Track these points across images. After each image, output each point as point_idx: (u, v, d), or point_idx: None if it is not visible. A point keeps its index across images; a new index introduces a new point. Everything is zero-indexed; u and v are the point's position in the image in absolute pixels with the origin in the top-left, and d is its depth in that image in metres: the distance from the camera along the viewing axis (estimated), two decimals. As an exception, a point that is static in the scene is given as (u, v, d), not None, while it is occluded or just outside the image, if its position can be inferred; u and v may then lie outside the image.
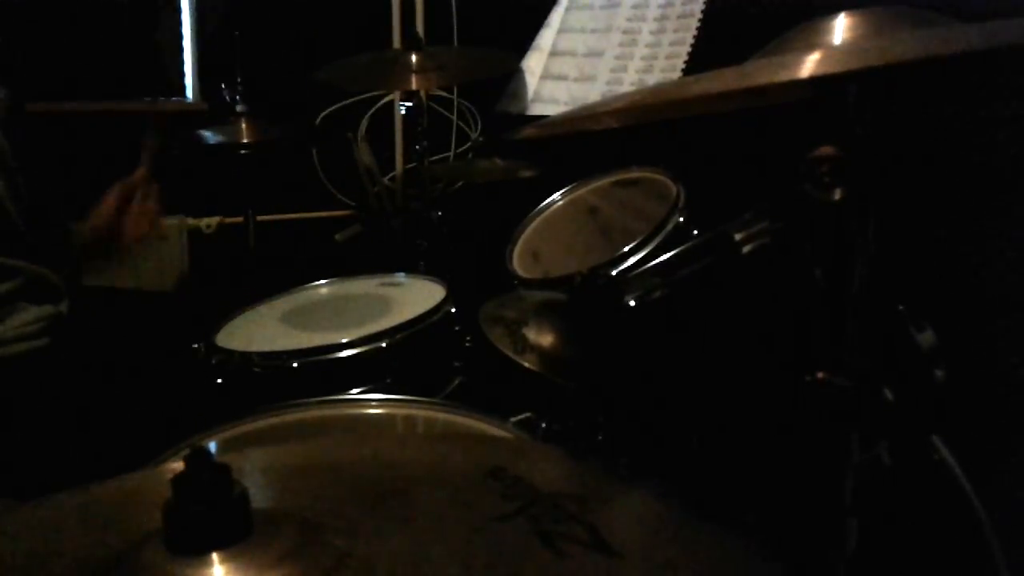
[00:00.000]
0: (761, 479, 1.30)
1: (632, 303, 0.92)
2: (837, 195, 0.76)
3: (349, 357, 1.43)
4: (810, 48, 0.75)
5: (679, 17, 1.85)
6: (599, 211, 1.63)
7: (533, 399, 1.35)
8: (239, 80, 2.25)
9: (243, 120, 2.20)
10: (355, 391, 1.38)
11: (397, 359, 1.46)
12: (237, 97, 2.22)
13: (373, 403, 1.24)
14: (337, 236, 2.69)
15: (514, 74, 2.15)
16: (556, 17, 2.14)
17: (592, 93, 1.95)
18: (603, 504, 0.63)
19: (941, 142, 1.31)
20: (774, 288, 1.00)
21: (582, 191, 1.70)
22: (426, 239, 2.25)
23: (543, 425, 1.35)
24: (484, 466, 0.67)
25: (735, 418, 1.36)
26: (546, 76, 2.10)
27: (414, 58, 2.05)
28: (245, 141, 2.17)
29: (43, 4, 2.44)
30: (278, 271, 1.91)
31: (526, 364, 1.20)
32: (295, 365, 1.42)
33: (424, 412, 1.21)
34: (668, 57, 1.82)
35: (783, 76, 0.69)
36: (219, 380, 1.46)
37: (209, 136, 2.19)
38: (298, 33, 2.69)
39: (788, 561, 0.57)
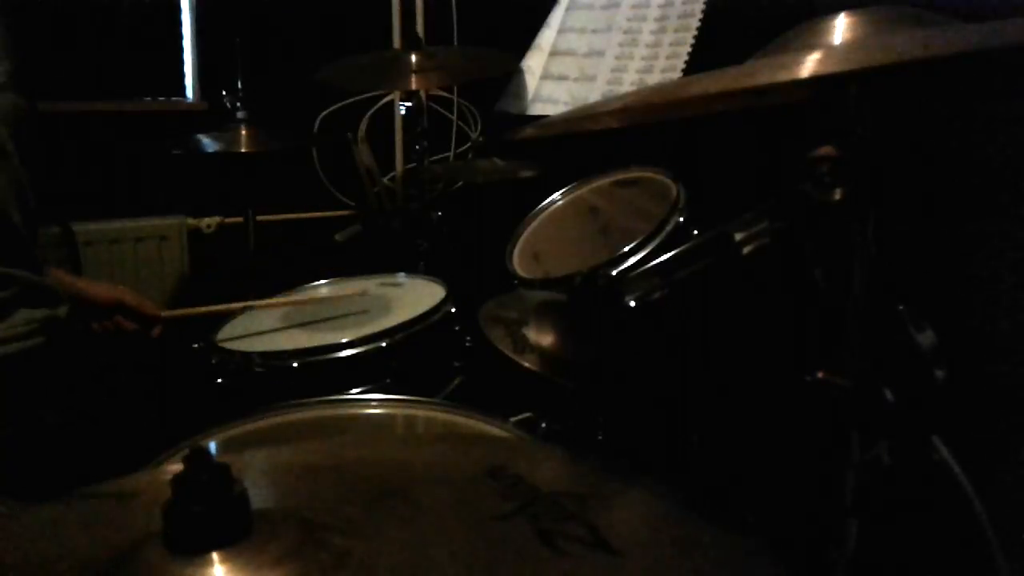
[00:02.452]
0: (761, 479, 1.30)
1: (632, 303, 0.92)
2: (837, 195, 0.76)
3: (349, 357, 1.43)
4: (810, 48, 0.76)
5: (679, 17, 1.85)
6: (599, 211, 1.63)
7: (533, 399, 1.35)
8: (240, 87, 2.25)
9: (243, 127, 2.20)
10: (355, 391, 1.38)
11: (397, 359, 1.46)
12: (238, 104, 2.22)
13: (373, 403, 1.24)
14: (337, 236, 2.68)
15: (514, 74, 2.15)
16: (556, 17, 2.15)
17: (592, 93, 1.95)
18: (603, 503, 0.63)
19: (941, 142, 1.31)
20: (774, 288, 1.00)
21: (582, 191, 1.70)
22: (426, 239, 2.25)
23: (543, 425, 1.35)
24: (484, 465, 0.67)
25: (735, 418, 1.36)
26: (546, 76, 2.10)
27: (414, 58, 2.05)
28: (244, 151, 2.17)
29: (45, 4, 2.44)
30: (278, 271, 1.91)
31: (526, 364, 1.20)
32: (295, 365, 1.42)
33: (424, 412, 1.21)
34: (668, 57, 1.82)
35: (783, 76, 0.69)
36: (219, 380, 1.46)
37: (208, 144, 2.19)
38: (298, 33, 2.69)
39: (788, 561, 0.57)
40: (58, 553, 0.57)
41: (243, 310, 1.62)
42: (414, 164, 2.32)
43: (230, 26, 2.53)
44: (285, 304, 1.63)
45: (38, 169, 1.40)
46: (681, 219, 1.38)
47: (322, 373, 1.42)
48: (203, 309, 1.61)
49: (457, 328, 1.58)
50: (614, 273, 1.28)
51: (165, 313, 1.55)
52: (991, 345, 1.25)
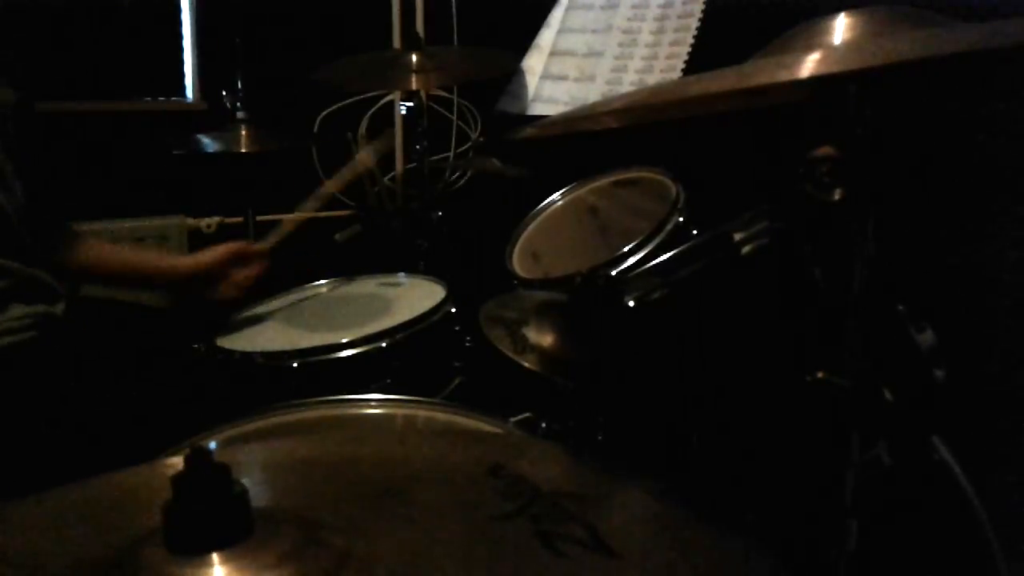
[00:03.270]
0: (761, 479, 1.30)
1: (632, 303, 0.92)
2: (837, 195, 0.76)
3: (349, 357, 1.43)
4: (810, 48, 0.76)
5: (679, 17, 1.84)
6: (599, 211, 1.63)
7: (533, 399, 1.35)
8: (240, 87, 2.26)
9: (243, 127, 2.20)
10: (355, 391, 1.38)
11: (397, 359, 1.46)
12: (238, 104, 2.22)
13: (373, 403, 1.24)
14: (337, 236, 2.69)
15: (514, 74, 2.15)
16: (556, 17, 2.14)
17: (592, 93, 1.95)
18: (603, 503, 0.63)
19: (941, 142, 1.31)
20: (774, 288, 1.00)
21: (582, 191, 1.69)
22: (426, 239, 2.25)
23: (543, 425, 1.35)
24: (484, 464, 0.67)
25: (735, 418, 1.36)
26: (546, 76, 2.10)
27: (414, 58, 2.05)
28: (244, 150, 2.17)
29: (45, 4, 2.44)
30: (278, 271, 1.91)
31: (526, 364, 1.20)
32: (295, 365, 1.42)
33: (424, 412, 1.21)
34: (668, 57, 1.82)
35: (783, 76, 0.69)
36: (219, 380, 1.46)
37: (208, 144, 2.19)
38: (298, 33, 2.69)
39: (788, 561, 0.57)
40: (57, 551, 0.57)
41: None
42: (414, 164, 2.32)
43: (230, 26, 2.53)
44: None
45: (29, 162, 1.40)
46: (681, 219, 1.38)
47: (322, 373, 1.42)
48: (291, 218, 1.68)
49: (457, 328, 1.58)
50: (614, 273, 1.28)
51: (270, 244, 1.63)
52: (991, 345, 1.25)
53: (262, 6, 2.65)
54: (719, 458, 1.36)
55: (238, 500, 0.51)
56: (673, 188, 1.47)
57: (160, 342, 1.57)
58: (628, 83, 1.89)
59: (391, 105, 2.85)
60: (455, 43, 2.75)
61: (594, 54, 1.99)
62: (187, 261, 1.62)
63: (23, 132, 1.40)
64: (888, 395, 0.77)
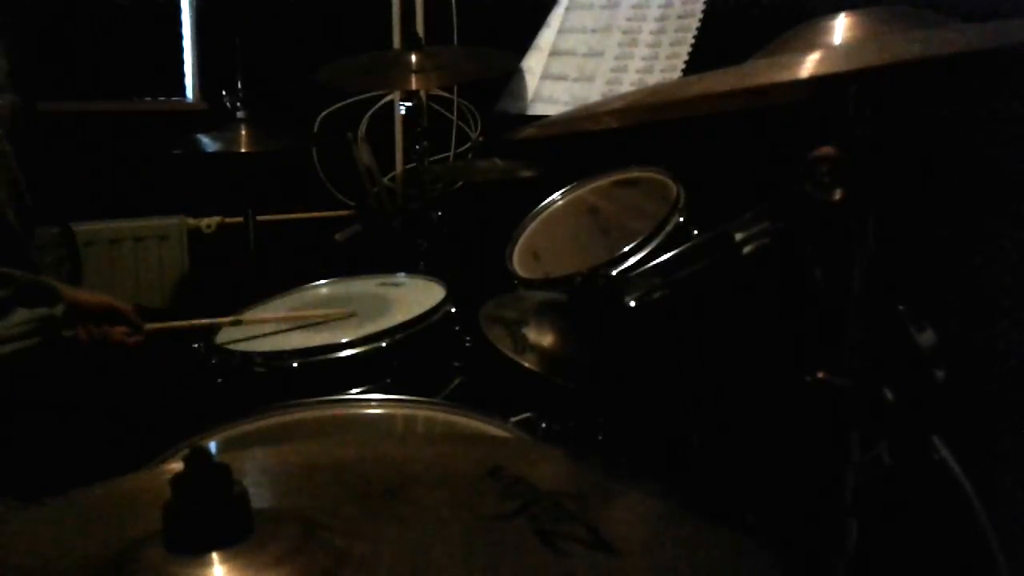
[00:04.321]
0: (761, 479, 1.30)
1: (632, 303, 0.91)
2: (837, 195, 0.76)
3: (349, 357, 1.43)
4: (810, 48, 0.75)
5: (679, 17, 1.85)
6: (599, 211, 1.63)
7: (533, 399, 1.35)
8: (240, 87, 2.25)
9: (243, 127, 2.20)
10: (355, 391, 1.38)
11: (397, 359, 1.46)
12: (238, 104, 2.22)
13: (373, 403, 1.24)
14: (337, 236, 2.68)
15: (514, 74, 2.15)
16: (556, 17, 2.15)
17: (592, 93, 1.95)
18: (603, 503, 0.63)
19: (941, 142, 1.31)
20: (774, 288, 1.00)
21: (582, 191, 1.70)
22: (426, 239, 2.25)
23: (543, 425, 1.35)
24: (484, 466, 0.67)
25: (735, 418, 1.36)
26: (546, 76, 2.10)
27: (414, 58, 2.05)
28: (244, 150, 2.17)
29: (46, 5, 2.44)
30: (278, 271, 1.91)
31: (526, 364, 1.20)
32: (295, 365, 1.42)
33: (424, 412, 1.21)
34: (668, 57, 1.82)
35: (783, 76, 0.69)
36: (219, 380, 1.46)
37: (208, 143, 2.19)
38: (298, 33, 2.69)
39: (788, 561, 0.57)
40: (58, 553, 0.57)
41: (231, 322, 1.60)
42: (414, 164, 2.32)
43: (230, 26, 2.53)
44: (275, 319, 1.62)
45: (35, 169, 1.40)
46: (681, 219, 1.38)
47: (322, 373, 1.42)
48: (186, 323, 1.56)
49: (457, 328, 1.58)
50: (614, 273, 1.28)
51: (148, 327, 1.51)
52: (991, 345, 1.25)
53: (262, 6, 2.65)
54: (719, 458, 1.36)
55: (238, 500, 0.51)
56: (673, 188, 1.47)
57: (160, 342, 1.57)
58: (628, 83, 1.89)
59: (391, 105, 2.85)
60: (455, 43, 2.75)
61: (594, 54, 1.99)
62: (73, 292, 1.57)
63: (31, 139, 1.40)
64: (888, 395, 0.77)
